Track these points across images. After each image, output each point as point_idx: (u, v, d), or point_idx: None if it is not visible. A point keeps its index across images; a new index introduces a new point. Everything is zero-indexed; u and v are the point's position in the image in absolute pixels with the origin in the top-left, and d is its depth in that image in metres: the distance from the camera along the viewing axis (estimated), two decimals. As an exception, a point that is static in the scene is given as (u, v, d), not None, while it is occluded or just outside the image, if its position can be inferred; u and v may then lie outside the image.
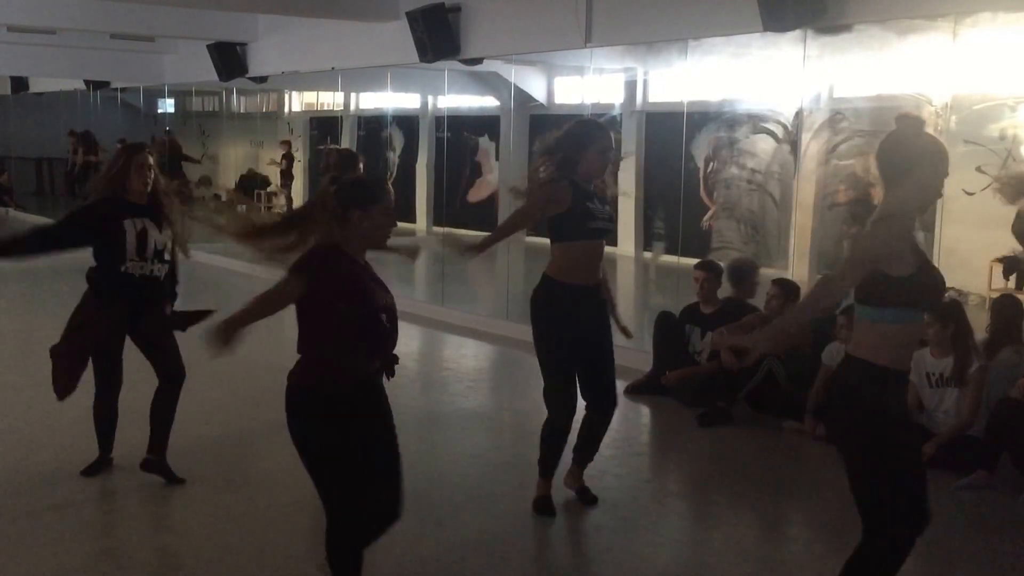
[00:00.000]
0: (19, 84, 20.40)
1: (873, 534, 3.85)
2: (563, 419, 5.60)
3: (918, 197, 3.86)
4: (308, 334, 4.02)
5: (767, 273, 9.21)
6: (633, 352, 9.25)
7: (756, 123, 14.56)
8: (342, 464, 3.94)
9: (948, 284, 10.44)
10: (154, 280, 5.84)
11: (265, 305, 4.00)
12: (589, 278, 5.50)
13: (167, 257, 5.89)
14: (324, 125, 23.72)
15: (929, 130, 3.94)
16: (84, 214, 5.89)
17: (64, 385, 5.77)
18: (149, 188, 5.79)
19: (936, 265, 4.04)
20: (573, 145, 5.46)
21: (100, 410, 6.04)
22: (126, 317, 5.84)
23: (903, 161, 3.84)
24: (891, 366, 3.79)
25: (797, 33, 8.76)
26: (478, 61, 11.65)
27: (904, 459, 3.86)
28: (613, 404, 5.73)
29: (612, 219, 5.64)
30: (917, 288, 3.75)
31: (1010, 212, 11.09)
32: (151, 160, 5.83)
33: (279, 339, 9.67)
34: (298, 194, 23.74)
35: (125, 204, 5.76)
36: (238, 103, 24.49)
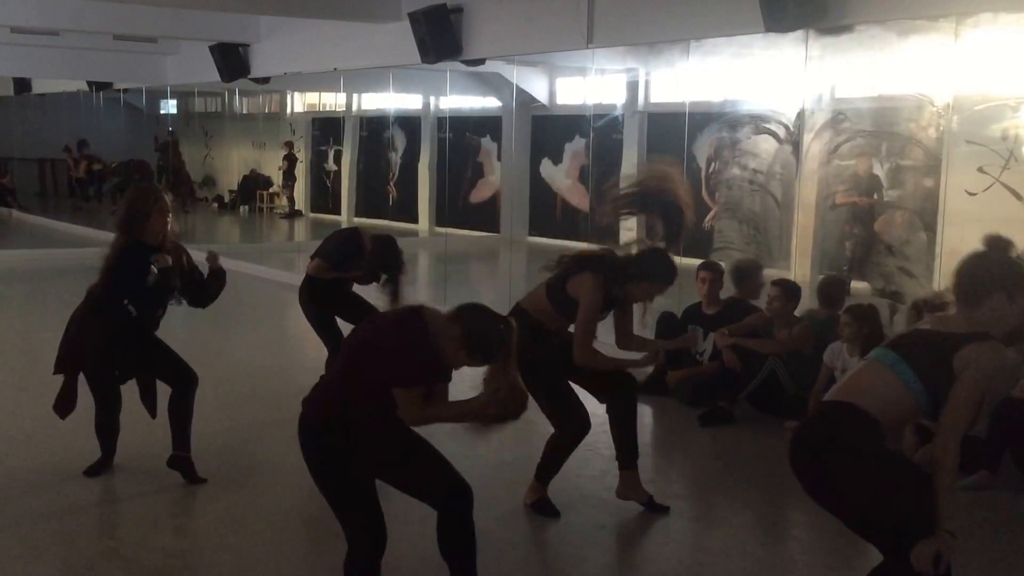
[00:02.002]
0: (22, 85, 20.41)
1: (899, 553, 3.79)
2: (584, 430, 5.71)
3: (995, 323, 3.70)
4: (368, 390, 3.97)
5: (769, 274, 9.21)
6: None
7: (758, 123, 14.56)
8: (362, 490, 3.98)
9: (950, 285, 10.39)
10: (155, 321, 6.05)
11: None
12: None
13: (172, 299, 6.07)
14: (326, 126, 23.77)
15: (1013, 254, 3.84)
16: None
17: (62, 406, 5.98)
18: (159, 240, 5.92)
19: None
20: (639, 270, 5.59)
21: (101, 426, 6.09)
22: (122, 333, 5.91)
23: (981, 285, 3.74)
24: (884, 423, 3.71)
25: (799, 34, 8.77)
26: (480, 62, 11.65)
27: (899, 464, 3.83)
28: (634, 387, 5.88)
29: None
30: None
31: (1012, 213, 11.09)
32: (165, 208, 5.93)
33: (279, 340, 9.72)
34: (300, 195, 23.79)
35: (147, 247, 5.88)
36: (240, 104, 24.54)
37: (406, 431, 4.12)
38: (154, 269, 5.76)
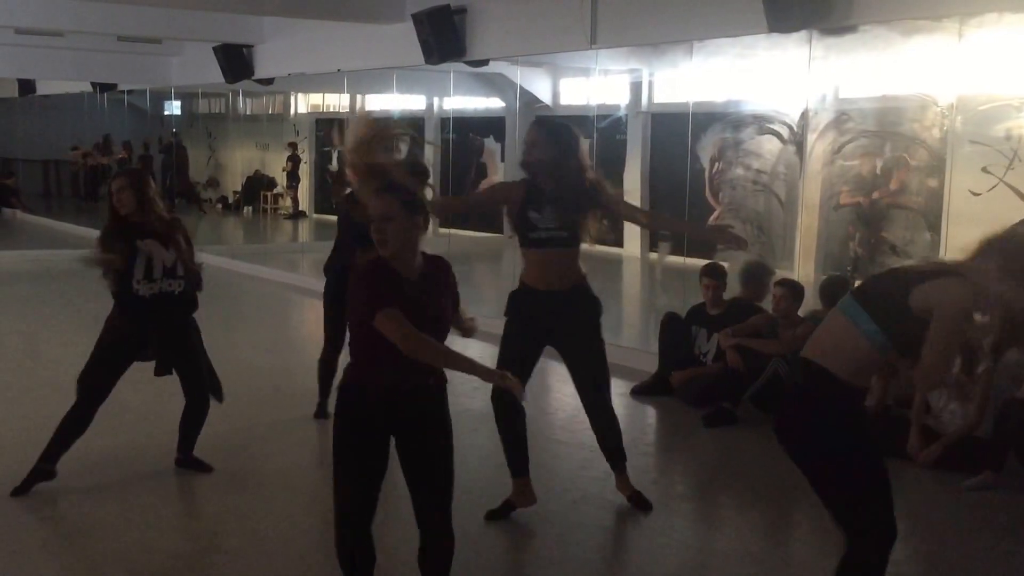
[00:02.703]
0: (26, 87, 20.45)
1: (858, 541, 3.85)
2: (500, 414, 5.68)
3: (987, 281, 3.65)
4: (355, 340, 3.94)
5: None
6: (639, 353, 9.28)
7: (761, 124, 14.55)
8: (352, 468, 3.93)
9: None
10: (168, 295, 5.91)
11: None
12: (551, 284, 5.48)
13: (180, 273, 5.93)
14: (330, 127, 23.75)
15: None
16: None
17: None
18: (124, 212, 5.82)
19: None
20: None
21: (70, 422, 5.91)
22: (141, 334, 5.92)
23: (1007, 247, 3.71)
24: (851, 380, 3.76)
25: (802, 34, 8.75)
26: (484, 62, 11.66)
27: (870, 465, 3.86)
28: (597, 404, 5.70)
29: (566, 227, 5.42)
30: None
31: (1016, 213, 11.07)
32: (120, 185, 5.86)
33: (283, 341, 9.76)
34: (304, 196, 23.80)
35: (133, 226, 5.84)
36: (244, 105, 24.54)
37: (450, 435, 4.06)
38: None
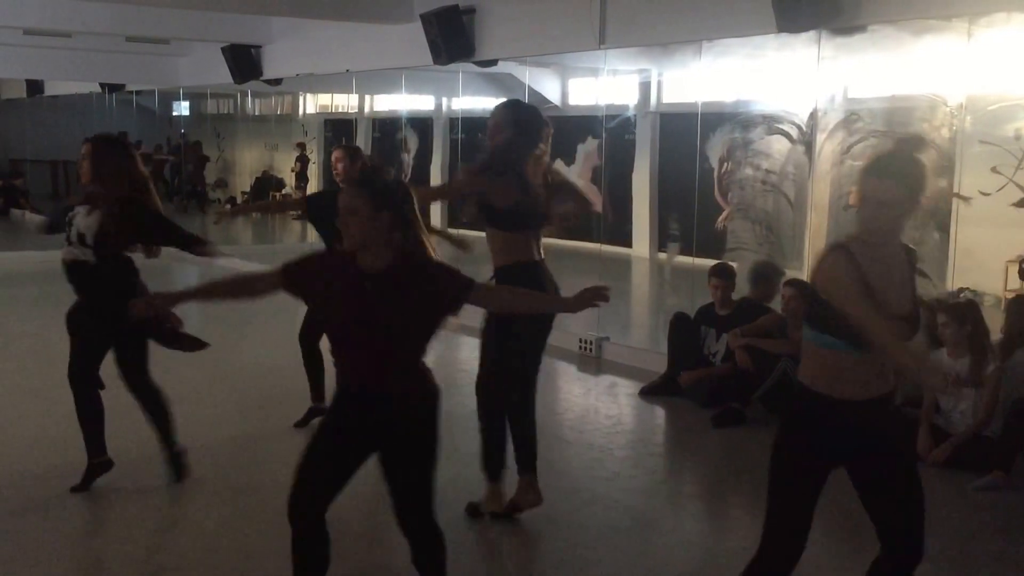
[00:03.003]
0: (35, 87, 20.48)
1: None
2: (483, 411, 5.64)
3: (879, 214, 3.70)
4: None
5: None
6: (648, 353, 9.27)
7: (771, 124, 14.53)
8: (311, 451, 4.00)
9: (963, 284, 10.35)
10: (82, 264, 5.65)
11: (238, 284, 4.05)
12: (497, 264, 5.40)
13: (88, 242, 5.61)
14: (338, 127, 23.78)
15: (927, 152, 3.72)
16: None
17: None
18: (84, 179, 5.80)
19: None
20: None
21: (83, 413, 5.82)
22: (83, 302, 5.78)
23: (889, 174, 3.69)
24: (833, 395, 3.66)
25: (811, 34, 8.74)
26: (492, 63, 11.65)
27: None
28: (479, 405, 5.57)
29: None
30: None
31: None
32: (84, 151, 5.79)
33: (291, 342, 9.72)
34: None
35: (90, 193, 5.79)
36: (253, 105, 24.56)
37: (431, 443, 4.04)
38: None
